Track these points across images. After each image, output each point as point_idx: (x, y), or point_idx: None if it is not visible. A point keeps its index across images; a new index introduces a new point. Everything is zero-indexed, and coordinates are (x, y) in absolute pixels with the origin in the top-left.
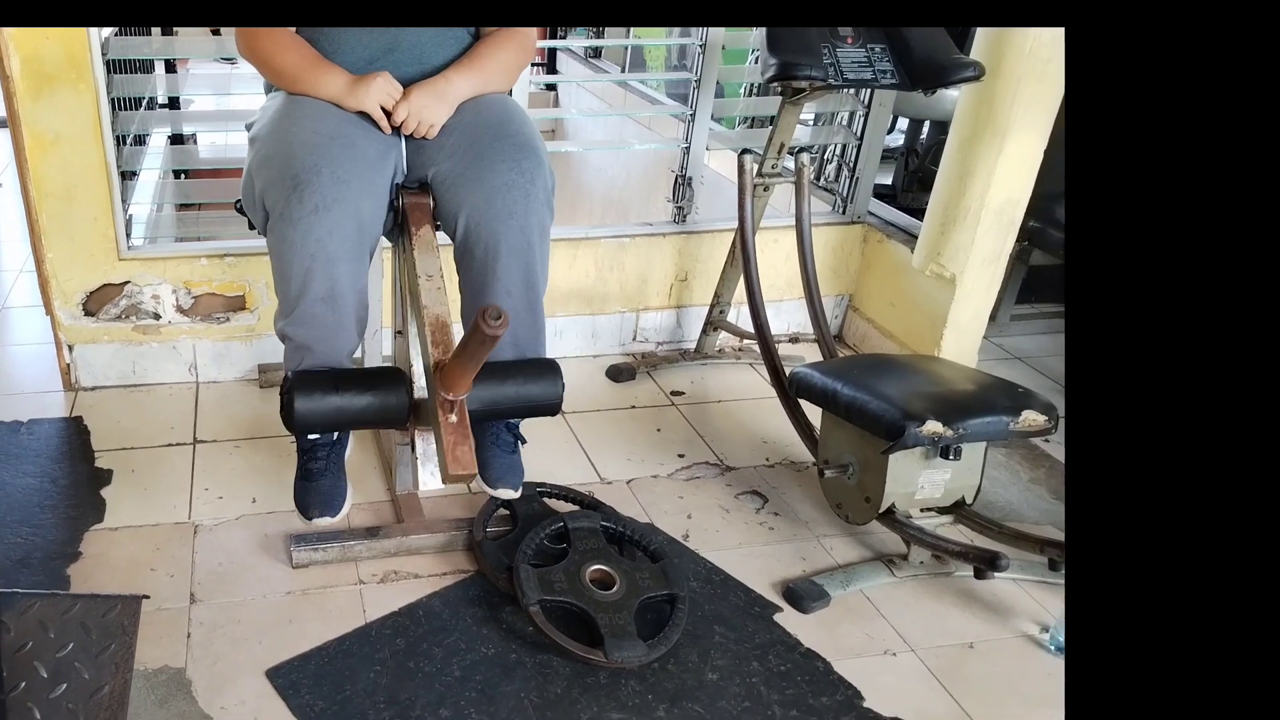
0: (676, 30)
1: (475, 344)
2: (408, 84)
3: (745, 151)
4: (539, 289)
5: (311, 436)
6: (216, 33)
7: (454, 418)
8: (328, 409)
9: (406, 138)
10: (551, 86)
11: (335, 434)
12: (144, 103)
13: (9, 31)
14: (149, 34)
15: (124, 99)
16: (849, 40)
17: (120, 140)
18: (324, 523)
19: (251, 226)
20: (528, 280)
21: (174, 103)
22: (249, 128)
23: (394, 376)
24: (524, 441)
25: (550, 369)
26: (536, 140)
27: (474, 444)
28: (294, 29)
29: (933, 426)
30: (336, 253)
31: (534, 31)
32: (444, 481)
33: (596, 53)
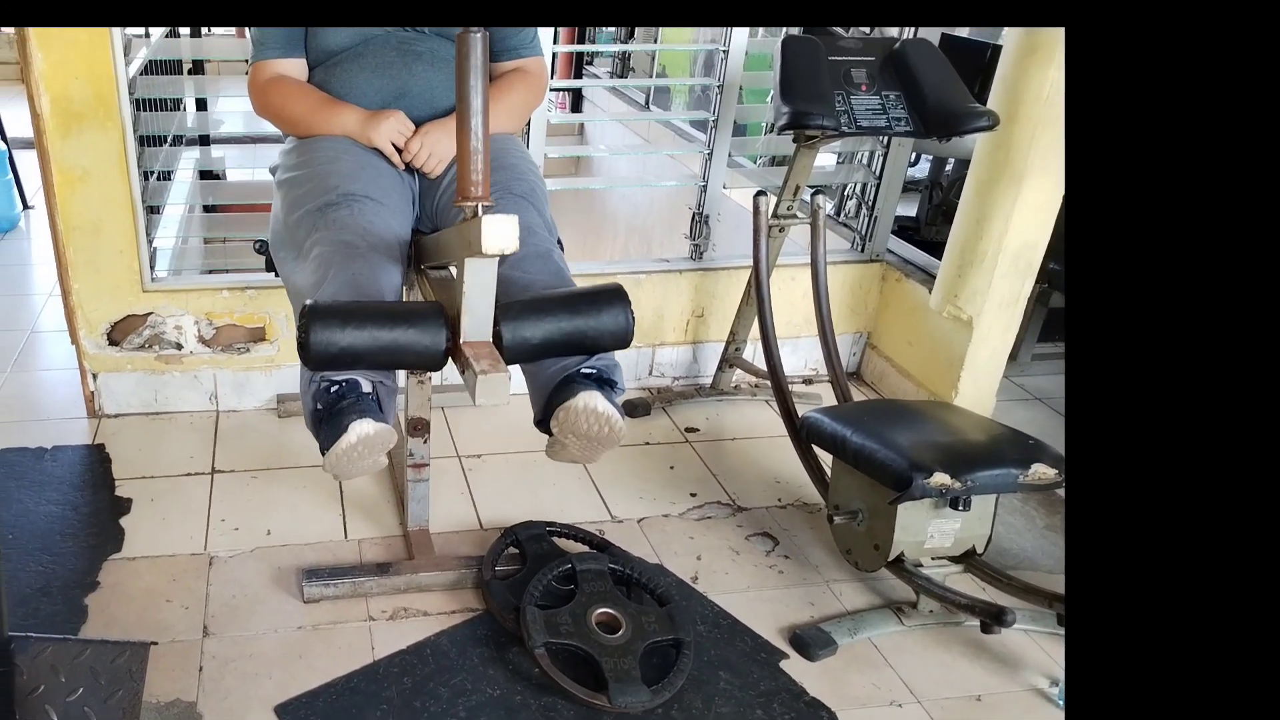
0: (699, 68)
1: (464, 67)
2: (420, 126)
3: (760, 193)
4: (559, 262)
5: (334, 387)
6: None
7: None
8: (351, 336)
9: (418, 174)
10: (578, 107)
11: (364, 388)
12: (169, 139)
13: (39, 71)
14: (177, 74)
15: (152, 135)
16: (863, 88)
17: (146, 176)
18: (365, 428)
19: (269, 268)
20: (540, 255)
21: (204, 139)
22: (273, 171)
23: (431, 306)
24: (614, 386)
25: (610, 292)
26: (536, 187)
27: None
28: (304, 79)
29: (940, 478)
30: (376, 242)
31: (545, 76)
32: (486, 248)
33: (623, 74)
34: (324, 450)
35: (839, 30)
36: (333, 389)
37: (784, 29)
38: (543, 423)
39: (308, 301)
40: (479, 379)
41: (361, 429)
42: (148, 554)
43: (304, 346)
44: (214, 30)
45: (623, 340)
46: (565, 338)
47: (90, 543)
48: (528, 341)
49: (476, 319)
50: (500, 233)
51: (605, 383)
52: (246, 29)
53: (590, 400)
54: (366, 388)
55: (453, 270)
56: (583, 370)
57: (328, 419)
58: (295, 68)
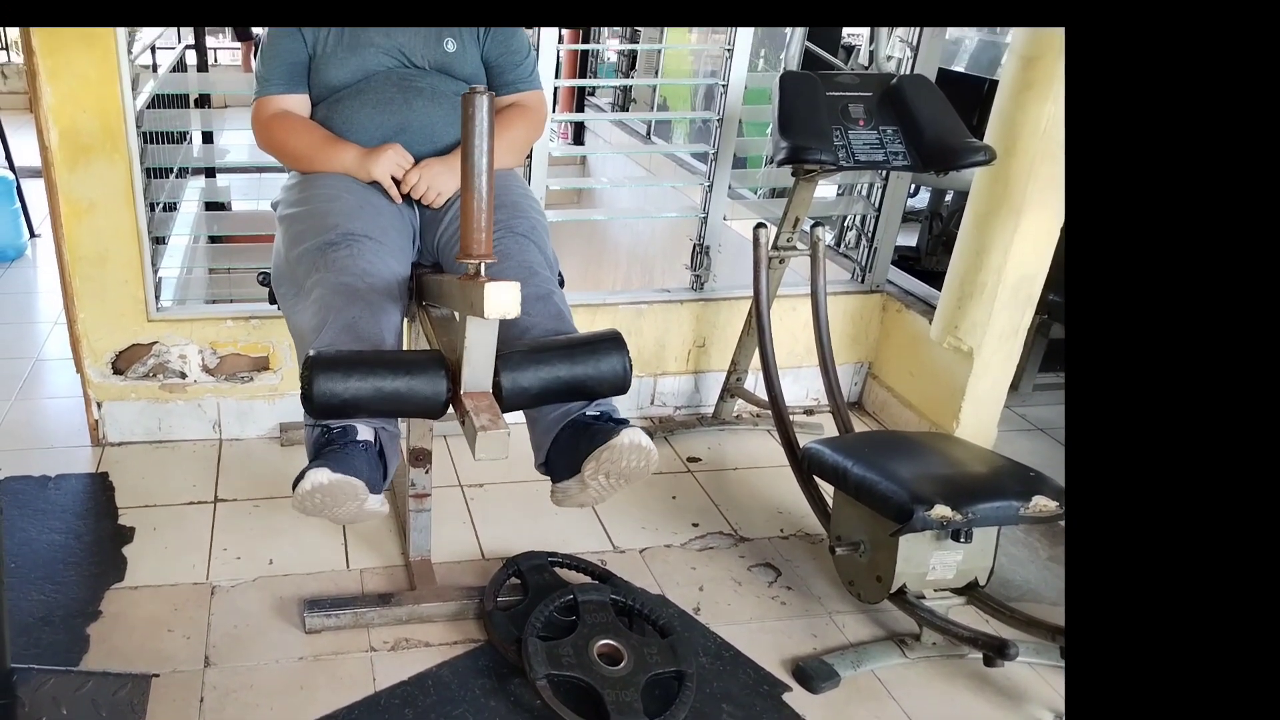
0: (700, 101)
1: (471, 128)
2: (420, 161)
3: (760, 225)
4: (559, 304)
5: (329, 433)
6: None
7: (483, 278)
8: (354, 387)
9: (419, 209)
10: (580, 139)
11: (359, 435)
12: (174, 171)
13: (48, 105)
14: (184, 108)
15: (158, 167)
16: (860, 123)
17: (152, 207)
18: (319, 478)
19: (272, 300)
20: (541, 297)
21: (210, 172)
22: (275, 206)
23: (433, 356)
24: (627, 424)
25: (607, 339)
26: (537, 224)
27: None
28: (307, 115)
29: (941, 510)
30: (375, 283)
31: (544, 109)
32: (488, 313)
33: (625, 107)
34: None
35: (837, 62)
36: (327, 433)
37: (782, 62)
38: (545, 464)
39: (310, 352)
40: (478, 435)
41: (315, 478)
42: (150, 583)
43: (307, 398)
44: (220, 61)
45: (620, 387)
46: (564, 386)
47: (93, 571)
48: (527, 391)
49: (476, 371)
50: (502, 299)
51: (614, 420)
52: (252, 62)
53: (634, 436)
54: (367, 434)
55: (454, 311)
56: (588, 413)
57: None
58: (298, 104)
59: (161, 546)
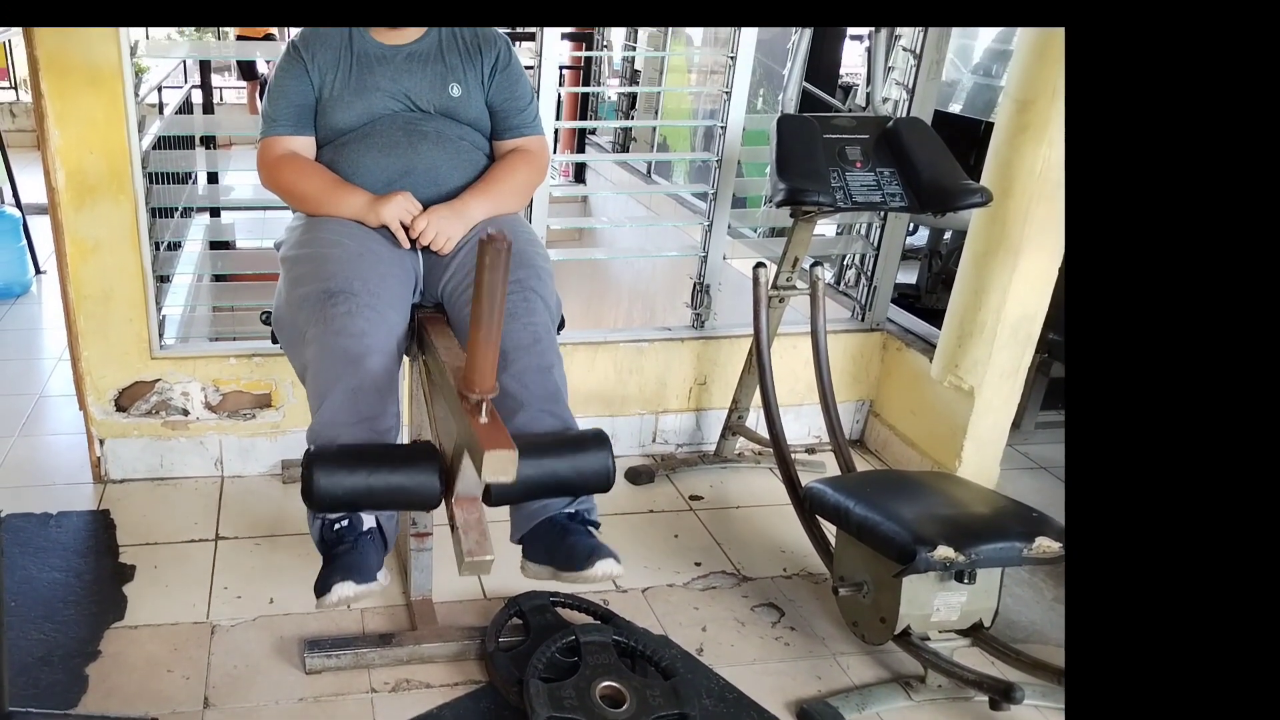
0: (699, 141)
1: (486, 275)
2: (426, 205)
3: (760, 265)
4: (558, 381)
5: (337, 526)
6: None
7: (484, 418)
8: (351, 486)
9: (424, 253)
10: (581, 177)
11: (365, 526)
12: (179, 211)
13: (55, 147)
14: (189, 148)
15: (163, 207)
16: (858, 164)
17: (157, 246)
18: (346, 591)
19: (274, 341)
20: (542, 369)
21: (215, 211)
22: (278, 247)
23: (426, 451)
24: (597, 526)
25: (593, 438)
26: (543, 272)
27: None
28: (313, 157)
29: (944, 551)
30: (372, 345)
31: (546, 154)
32: (485, 477)
33: (625, 147)
34: (316, 594)
35: (835, 103)
36: (335, 527)
37: (780, 103)
38: (519, 541)
39: (310, 448)
40: (465, 561)
41: (342, 592)
42: (150, 622)
43: (308, 496)
44: (226, 100)
45: (604, 486)
46: (549, 485)
47: (93, 610)
48: (513, 490)
49: (469, 484)
50: (499, 467)
51: (589, 524)
52: (258, 102)
53: (607, 568)
54: (370, 523)
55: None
56: (565, 512)
57: (325, 560)
58: (304, 145)
59: (162, 585)
